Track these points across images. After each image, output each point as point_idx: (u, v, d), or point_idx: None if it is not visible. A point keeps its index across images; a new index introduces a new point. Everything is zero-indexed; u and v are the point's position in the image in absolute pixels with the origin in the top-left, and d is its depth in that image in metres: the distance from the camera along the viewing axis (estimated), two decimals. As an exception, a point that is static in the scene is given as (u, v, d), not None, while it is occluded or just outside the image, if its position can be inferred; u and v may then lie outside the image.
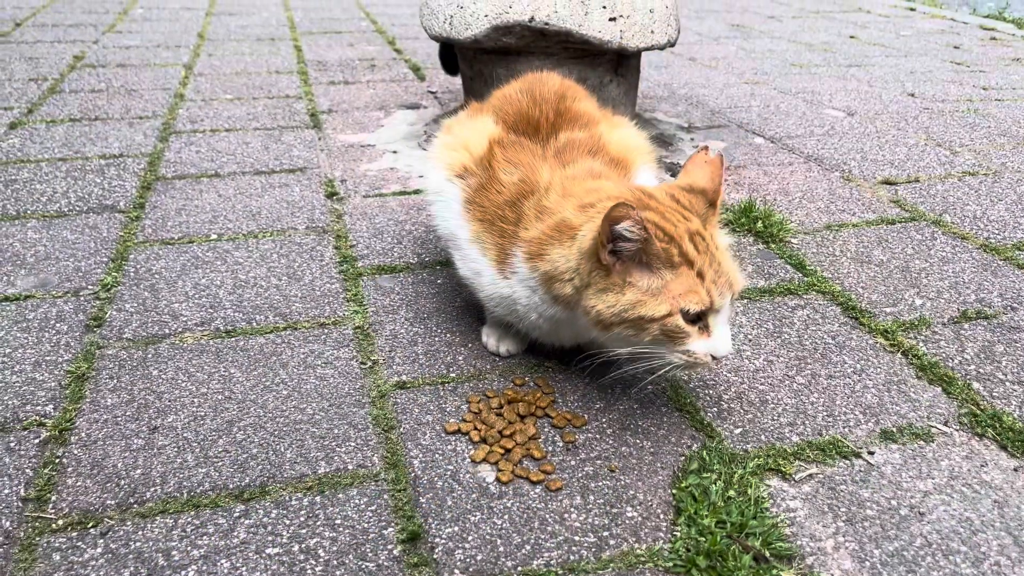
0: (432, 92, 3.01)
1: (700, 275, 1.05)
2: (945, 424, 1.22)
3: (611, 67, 2.25)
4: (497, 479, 1.08)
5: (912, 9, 5.33)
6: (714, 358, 1.09)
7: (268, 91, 2.96)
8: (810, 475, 1.11)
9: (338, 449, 1.14)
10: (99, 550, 0.96)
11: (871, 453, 1.15)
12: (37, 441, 1.14)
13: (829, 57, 3.80)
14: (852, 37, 4.33)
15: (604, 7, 2.05)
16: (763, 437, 1.18)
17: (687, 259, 1.05)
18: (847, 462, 1.14)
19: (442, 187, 1.33)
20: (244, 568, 0.94)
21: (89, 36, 3.78)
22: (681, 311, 1.05)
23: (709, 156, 1.15)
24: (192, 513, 1.02)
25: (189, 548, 0.96)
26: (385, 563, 0.95)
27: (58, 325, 1.42)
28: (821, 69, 3.55)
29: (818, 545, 0.99)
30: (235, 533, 0.99)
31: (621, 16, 2.08)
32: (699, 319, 1.07)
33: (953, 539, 1.00)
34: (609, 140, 1.33)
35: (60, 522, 1.00)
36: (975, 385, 1.31)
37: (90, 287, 1.55)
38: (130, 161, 2.21)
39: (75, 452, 1.11)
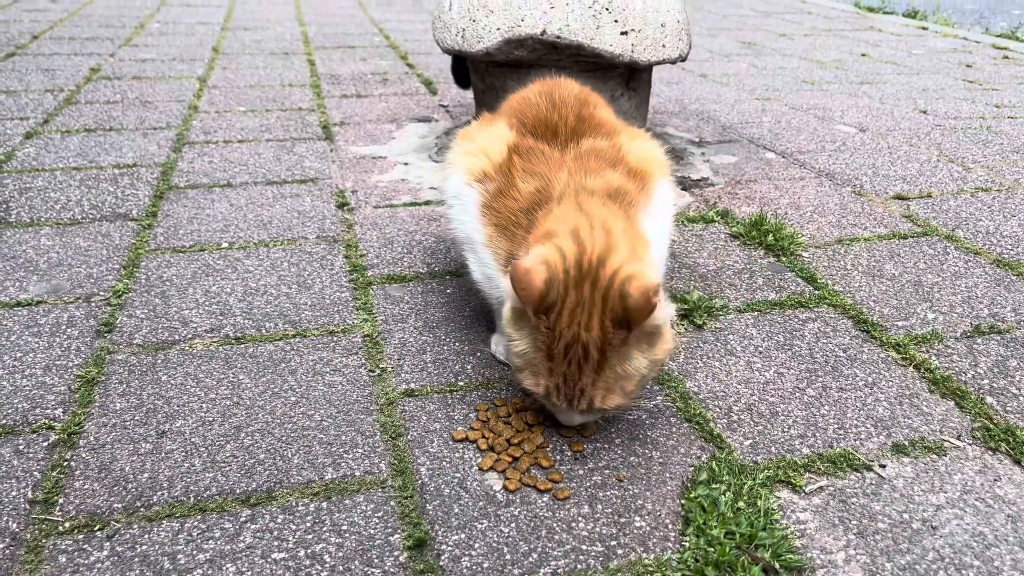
0: (444, 106, 3.03)
1: (550, 372, 1.08)
2: (958, 438, 1.21)
3: (622, 81, 2.26)
4: (504, 487, 1.08)
5: (924, 28, 5.33)
6: None
7: (281, 104, 2.98)
8: (820, 487, 1.10)
9: (345, 455, 1.13)
10: (105, 553, 0.96)
11: (883, 466, 1.14)
12: (46, 444, 1.14)
13: (841, 74, 3.80)
14: (864, 55, 4.33)
15: (616, 21, 2.06)
16: (773, 449, 1.17)
17: (549, 356, 1.07)
18: (858, 475, 1.12)
19: (460, 191, 1.33)
20: (250, 572, 0.93)
21: (106, 49, 3.82)
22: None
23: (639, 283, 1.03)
24: (198, 517, 1.01)
25: (195, 552, 0.96)
26: (391, 569, 0.95)
27: (69, 330, 1.42)
28: (833, 86, 3.55)
29: (828, 558, 0.98)
30: (241, 538, 0.99)
31: (632, 30, 2.09)
32: None
33: (966, 554, 0.99)
34: (629, 151, 1.32)
35: (67, 524, 1.00)
36: (988, 399, 1.30)
37: (101, 293, 1.55)
38: (144, 171, 2.23)
39: (83, 455, 1.12)
